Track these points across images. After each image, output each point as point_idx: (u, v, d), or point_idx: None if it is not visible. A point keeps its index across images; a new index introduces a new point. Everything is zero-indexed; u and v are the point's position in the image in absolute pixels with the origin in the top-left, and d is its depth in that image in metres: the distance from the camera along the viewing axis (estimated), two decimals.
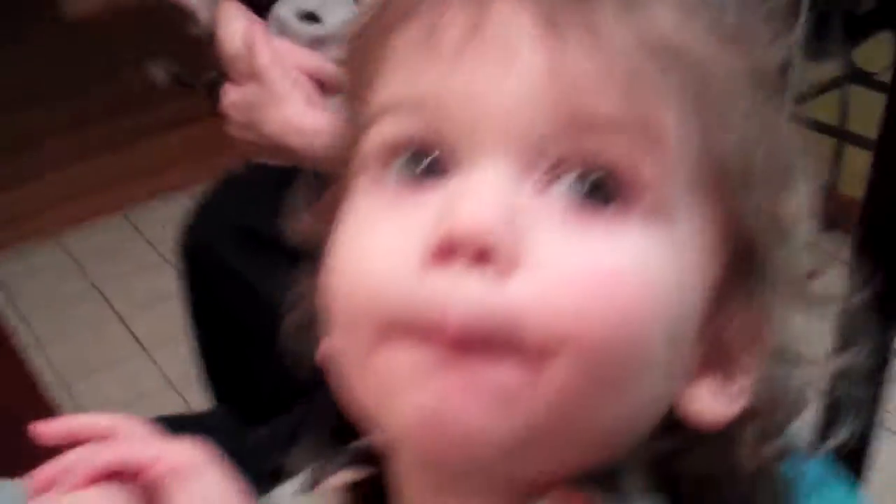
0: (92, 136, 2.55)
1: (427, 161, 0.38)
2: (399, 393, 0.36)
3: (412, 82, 0.39)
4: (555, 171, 0.37)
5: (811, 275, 0.41)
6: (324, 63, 1.05)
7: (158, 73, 1.42)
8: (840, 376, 0.41)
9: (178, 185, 2.30)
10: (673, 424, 0.40)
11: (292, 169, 1.03)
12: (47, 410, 0.91)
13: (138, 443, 0.46)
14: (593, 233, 0.36)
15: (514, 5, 0.38)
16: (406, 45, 0.40)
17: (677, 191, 0.38)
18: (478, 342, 0.35)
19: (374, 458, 0.45)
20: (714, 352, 0.40)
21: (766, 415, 0.40)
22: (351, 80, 0.44)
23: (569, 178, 0.37)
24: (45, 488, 0.44)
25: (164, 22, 3.26)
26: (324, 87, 1.04)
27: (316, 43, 1.07)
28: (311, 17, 1.08)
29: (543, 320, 0.35)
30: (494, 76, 0.37)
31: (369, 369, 0.38)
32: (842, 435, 0.43)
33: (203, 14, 1.15)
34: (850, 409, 0.43)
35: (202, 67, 1.22)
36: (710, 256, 0.39)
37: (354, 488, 0.46)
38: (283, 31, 1.07)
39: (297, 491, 0.47)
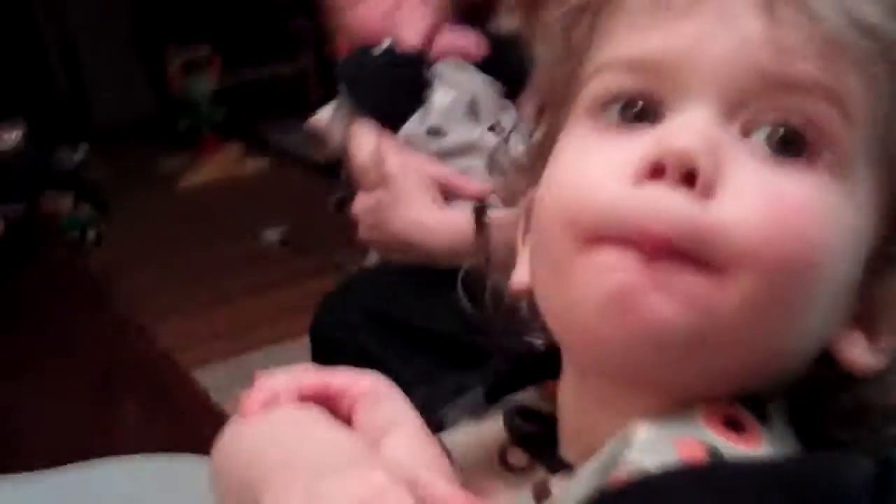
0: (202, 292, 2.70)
1: (639, 107, 0.45)
2: (600, 284, 0.41)
3: (637, 44, 0.45)
4: (754, 121, 0.43)
5: None
6: (446, 170, 1.15)
7: (272, 236, 1.50)
8: None
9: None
10: (824, 369, 0.44)
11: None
12: None
13: (334, 372, 0.51)
14: (783, 174, 0.42)
15: None
16: (639, 9, 0.46)
17: (858, 156, 0.43)
18: (674, 250, 0.40)
19: (529, 410, 0.50)
20: (866, 309, 0.45)
21: None
22: (572, 39, 0.50)
23: (765, 129, 0.43)
24: (256, 411, 0.48)
25: (278, 190, 3.46)
26: (446, 192, 1.13)
27: (440, 155, 1.17)
28: (436, 133, 1.19)
29: (735, 239, 0.40)
30: (712, 35, 0.43)
31: (575, 269, 0.43)
32: None
33: (335, 135, 1.27)
34: None
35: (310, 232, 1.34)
36: (875, 222, 0.44)
37: (518, 424, 0.50)
38: (412, 145, 1.17)
39: (468, 422, 0.51)
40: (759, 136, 0.43)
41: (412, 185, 1.12)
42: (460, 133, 1.18)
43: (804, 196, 0.42)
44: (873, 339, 0.45)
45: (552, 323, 0.47)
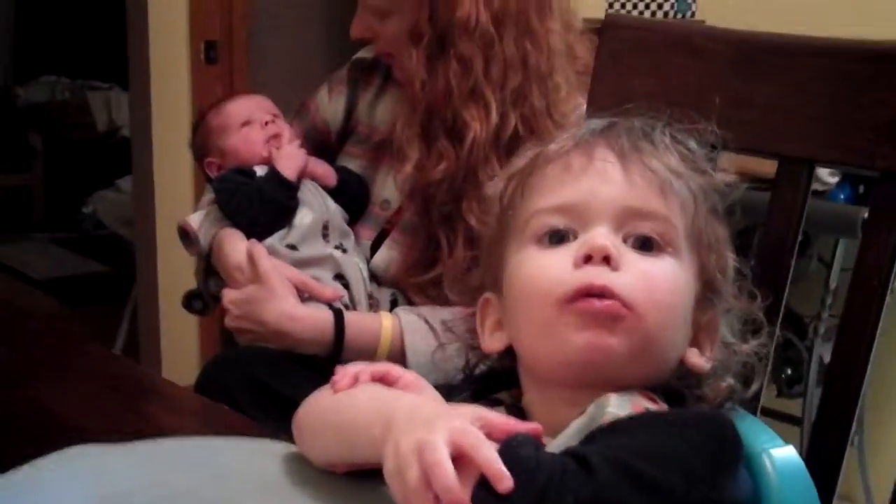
0: None
1: (561, 234, 0.76)
2: (574, 338, 0.72)
3: (556, 197, 0.78)
4: (628, 234, 0.76)
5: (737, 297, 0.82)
6: (304, 277, 1.42)
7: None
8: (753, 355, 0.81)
9: None
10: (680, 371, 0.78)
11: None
12: None
13: (388, 364, 0.79)
14: (648, 260, 0.75)
15: (605, 151, 0.78)
16: (552, 176, 0.79)
17: (683, 245, 0.77)
18: (605, 296, 0.72)
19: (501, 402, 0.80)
20: (695, 334, 0.79)
21: (720, 371, 0.79)
22: (511, 193, 0.82)
23: (633, 239, 0.76)
24: (348, 385, 0.76)
25: None
26: (299, 292, 1.40)
27: (296, 264, 1.44)
28: (292, 248, 1.46)
29: (631, 293, 0.72)
30: (599, 187, 0.77)
31: (558, 326, 0.73)
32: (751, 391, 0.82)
33: (202, 239, 1.51)
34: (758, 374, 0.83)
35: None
36: (693, 280, 0.78)
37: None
38: (272, 253, 1.43)
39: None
40: (631, 242, 0.76)
41: (281, 285, 1.38)
42: (314, 248, 1.46)
43: (660, 270, 0.75)
44: (702, 351, 0.79)
45: (535, 361, 0.77)
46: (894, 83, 0.88)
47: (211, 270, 1.52)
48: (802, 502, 0.77)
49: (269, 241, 1.45)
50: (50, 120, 5.32)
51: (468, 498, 0.60)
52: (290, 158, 1.48)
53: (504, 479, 0.60)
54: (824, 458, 0.89)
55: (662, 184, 0.77)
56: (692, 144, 0.81)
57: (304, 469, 0.78)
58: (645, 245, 0.76)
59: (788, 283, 0.94)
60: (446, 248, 1.39)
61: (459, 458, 0.62)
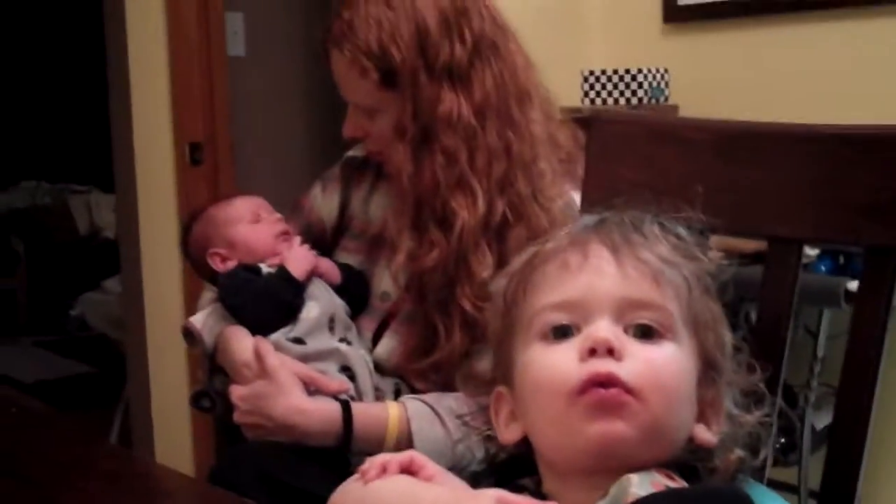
0: None
1: (565, 329, 0.81)
2: (585, 428, 0.76)
3: (557, 294, 0.82)
4: (628, 324, 0.80)
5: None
6: (311, 370, 1.45)
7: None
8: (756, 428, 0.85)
9: None
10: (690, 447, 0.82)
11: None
12: None
13: (412, 453, 0.83)
14: (649, 347, 0.79)
15: (599, 247, 0.83)
16: (551, 274, 0.84)
17: (681, 329, 0.82)
18: (611, 384, 0.76)
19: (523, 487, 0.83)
20: (701, 410, 0.83)
21: (728, 444, 0.83)
22: (513, 291, 0.87)
23: (633, 328, 0.80)
24: (376, 476, 0.80)
25: None
26: (306, 385, 1.43)
27: (302, 358, 1.47)
28: (298, 341, 1.49)
29: (636, 380, 0.77)
30: (596, 282, 0.81)
31: (569, 418, 0.77)
32: (759, 459, 0.86)
33: (207, 338, 1.54)
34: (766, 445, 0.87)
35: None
36: (695, 361, 0.82)
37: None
38: (277, 349, 1.46)
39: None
40: (631, 332, 0.80)
41: (289, 379, 1.41)
42: (320, 342, 1.49)
43: (661, 356, 0.79)
44: (708, 425, 0.83)
45: (551, 452, 0.81)
46: (872, 166, 0.93)
47: (216, 368, 1.55)
48: None
49: (275, 335, 1.48)
50: (32, 224, 5.36)
51: None
52: (301, 259, 1.51)
53: None
54: None
55: (655, 273, 0.81)
56: (681, 231, 0.86)
57: None
58: (645, 333, 0.80)
59: (786, 355, 0.99)
60: (443, 333, 1.42)
61: None
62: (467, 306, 1.38)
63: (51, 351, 4.98)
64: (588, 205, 1.09)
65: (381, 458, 0.82)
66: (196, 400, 1.60)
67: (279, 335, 1.49)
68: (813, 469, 2.14)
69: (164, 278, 3.06)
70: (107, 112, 3.31)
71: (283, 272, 1.49)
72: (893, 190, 0.92)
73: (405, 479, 0.80)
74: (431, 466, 0.82)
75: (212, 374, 1.57)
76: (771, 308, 0.99)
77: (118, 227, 3.53)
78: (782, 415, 2.17)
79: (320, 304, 1.50)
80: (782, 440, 2.16)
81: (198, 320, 1.56)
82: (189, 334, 1.57)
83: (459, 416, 0.99)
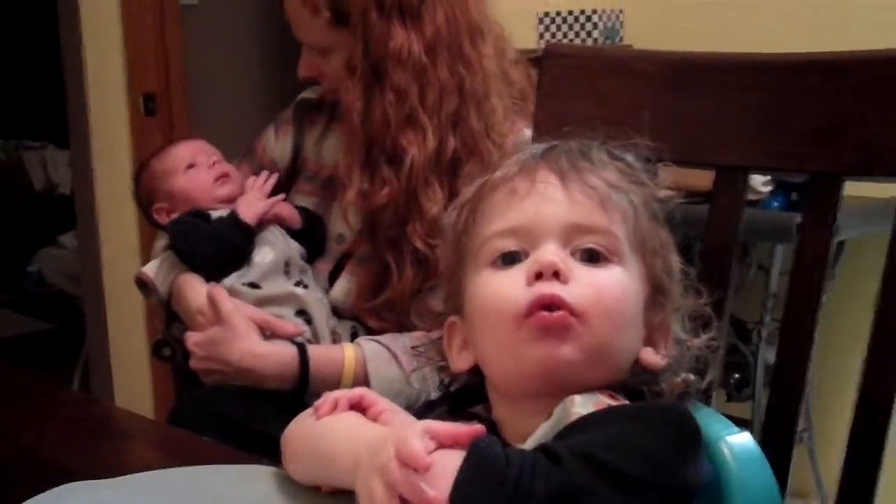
0: None
1: (512, 255, 0.81)
2: (531, 351, 0.76)
3: (504, 221, 0.82)
4: (574, 248, 0.81)
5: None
6: (266, 315, 1.45)
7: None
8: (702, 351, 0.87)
9: None
10: (637, 369, 0.83)
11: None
12: None
13: (364, 390, 0.84)
14: (595, 270, 0.80)
15: (546, 173, 0.83)
16: (499, 201, 0.84)
17: (628, 252, 0.82)
18: (556, 306, 0.76)
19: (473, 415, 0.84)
20: (649, 334, 0.83)
21: (675, 368, 0.85)
22: (464, 221, 0.86)
23: (580, 252, 0.80)
24: (328, 411, 0.81)
25: None
26: (262, 330, 1.43)
27: (258, 303, 1.47)
28: (253, 286, 1.49)
29: (582, 303, 0.77)
30: (543, 207, 0.81)
31: (515, 341, 0.77)
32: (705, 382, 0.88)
33: (160, 287, 1.54)
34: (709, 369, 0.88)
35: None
36: (642, 285, 0.83)
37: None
38: (232, 294, 1.46)
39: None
40: (578, 255, 0.81)
41: (243, 324, 1.41)
42: (276, 286, 1.49)
43: (607, 279, 0.80)
44: (655, 349, 0.84)
45: (499, 377, 0.81)
46: (815, 93, 0.95)
47: (172, 316, 1.55)
48: (761, 485, 0.81)
49: (228, 280, 1.49)
50: None
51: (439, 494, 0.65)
52: (251, 204, 1.51)
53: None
54: (775, 456, 0.94)
55: (602, 198, 0.82)
56: (629, 158, 0.87)
57: (291, 488, 0.81)
58: (592, 257, 0.80)
59: (734, 282, 1.01)
60: (395, 270, 1.44)
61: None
62: (418, 244, 1.39)
63: (9, 309, 4.94)
64: (539, 137, 1.10)
65: (333, 394, 0.83)
66: (157, 349, 1.60)
67: (234, 280, 1.49)
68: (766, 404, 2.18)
69: (121, 231, 3.04)
70: (60, 66, 3.26)
71: (232, 216, 1.49)
72: (837, 117, 0.93)
73: (353, 417, 0.81)
74: (381, 403, 0.83)
75: (168, 322, 1.57)
76: (718, 235, 1.01)
77: (73, 182, 3.50)
78: (736, 350, 2.21)
79: (275, 249, 1.51)
80: (736, 376, 2.20)
81: (150, 269, 1.55)
82: (143, 284, 1.57)
83: (413, 348, 0.99)
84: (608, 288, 0.79)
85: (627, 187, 0.84)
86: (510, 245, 0.81)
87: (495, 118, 1.43)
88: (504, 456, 0.66)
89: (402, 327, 1.42)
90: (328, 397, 0.83)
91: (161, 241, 1.62)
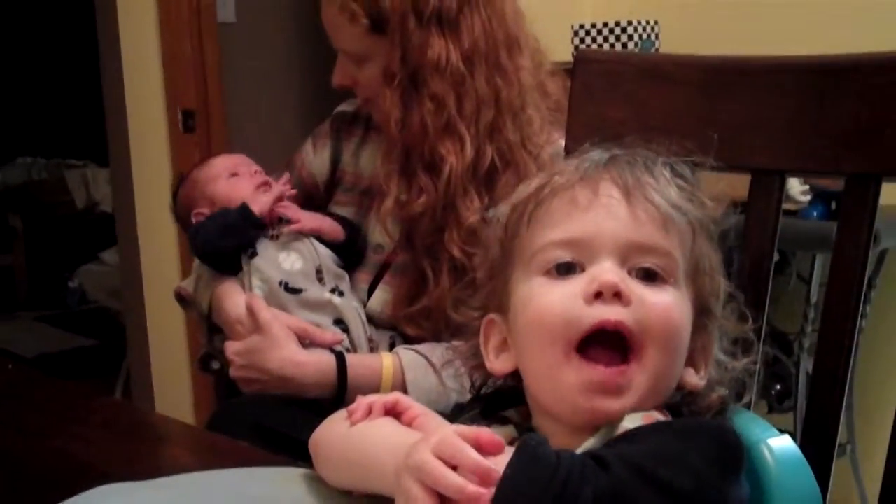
0: None
1: (569, 266, 0.79)
2: (579, 399, 0.75)
3: (563, 231, 0.81)
4: (632, 267, 0.79)
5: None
6: (304, 323, 1.46)
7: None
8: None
9: None
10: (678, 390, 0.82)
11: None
12: None
13: (399, 395, 0.84)
14: (653, 290, 0.78)
15: (610, 186, 0.81)
16: (559, 210, 0.82)
17: (682, 276, 0.81)
18: (614, 335, 0.75)
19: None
20: (691, 355, 0.82)
21: (713, 386, 0.83)
22: (516, 222, 0.85)
23: (636, 271, 0.79)
24: (362, 417, 0.81)
25: None
26: (301, 339, 1.44)
27: (301, 307, 1.48)
28: (293, 291, 1.50)
29: (643, 326, 0.76)
30: (604, 221, 0.80)
31: (563, 370, 0.76)
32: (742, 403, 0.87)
33: (200, 300, 1.55)
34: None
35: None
36: (691, 307, 0.82)
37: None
38: (275, 300, 1.47)
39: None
40: (634, 274, 0.79)
41: (282, 332, 1.42)
42: (311, 292, 1.50)
43: (668, 302, 0.79)
44: (696, 370, 0.83)
45: (541, 398, 0.80)
46: (852, 93, 0.94)
47: (214, 329, 1.56)
48: (802, 488, 0.81)
49: (268, 287, 1.50)
50: (29, 200, 5.36)
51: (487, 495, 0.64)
52: (259, 198, 1.54)
53: (492, 474, 0.65)
54: (815, 467, 0.93)
55: (664, 219, 0.80)
56: (688, 174, 0.85)
57: (325, 490, 0.82)
58: (648, 276, 0.79)
59: (769, 288, 1.00)
60: (432, 278, 1.44)
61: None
62: (455, 252, 1.39)
63: (52, 325, 5.00)
64: (572, 142, 1.09)
65: (367, 399, 0.83)
66: (204, 363, 1.61)
67: (273, 285, 1.50)
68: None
69: (161, 247, 3.07)
70: (100, 85, 3.30)
71: (242, 206, 1.52)
72: (871, 117, 0.92)
73: (389, 423, 0.81)
74: (416, 408, 0.83)
75: (211, 335, 1.58)
76: (755, 239, 1.00)
77: (114, 198, 3.54)
78: (777, 362, 2.18)
79: (303, 256, 1.52)
80: (777, 387, 2.18)
81: (189, 284, 1.57)
82: (182, 299, 1.59)
83: (449, 347, 0.99)
84: (668, 312, 0.78)
85: (688, 207, 0.82)
86: (567, 256, 0.80)
87: (532, 129, 1.43)
88: (555, 456, 0.66)
89: (439, 335, 1.42)
90: (362, 402, 0.83)
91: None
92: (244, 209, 1.51)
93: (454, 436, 0.68)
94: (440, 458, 0.67)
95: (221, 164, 1.62)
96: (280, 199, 1.55)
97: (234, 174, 1.59)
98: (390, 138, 1.44)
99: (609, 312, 0.76)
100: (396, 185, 1.43)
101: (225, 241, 1.51)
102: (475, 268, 1.36)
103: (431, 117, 1.39)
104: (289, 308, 1.47)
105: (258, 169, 1.61)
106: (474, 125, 1.40)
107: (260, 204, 1.52)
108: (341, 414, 0.85)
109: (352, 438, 0.81)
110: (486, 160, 1.40)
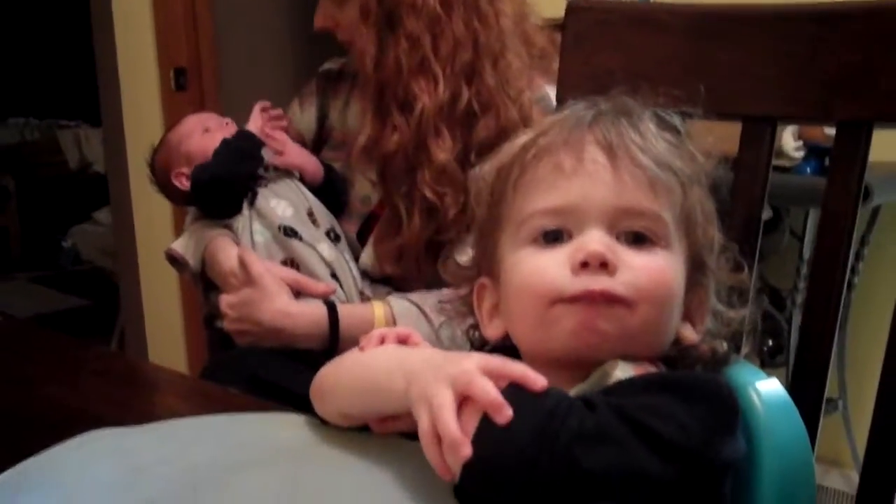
0: None
1: (556, 234, 0.79)
2: (565, 322, 0.75)
3: (549, 199, 0.79)
4: (620, 232, 0.78)
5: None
6: (297, 274, 1.46)
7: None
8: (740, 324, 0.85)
9: None
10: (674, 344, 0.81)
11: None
12: None
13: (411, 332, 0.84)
14: (643, 256, 0.78)
15: (595, 149, 0.80)
16: (544, 176, 0.81)
17: (673, 235, 0.80)
18: (607, 301, 0.75)
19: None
20: (687, 310, 0.82)
21: (709, 339, 0.83)
22: (501, 187, 0.84)
23: (625, 235, 0.78)
24: (375, 346, 0.81)
25: None
26: (293, 290, 1.44)
27: (297, 258, 1.48)
28: (289, 233, 1.51)
29: (632, 292, 0.76)
30: (590, 189, 0.79)
31: (547, 318, 0.76)
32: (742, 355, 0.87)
33: (191, 260, 1.55)
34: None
35: None
36: (684, 264, 0.81)
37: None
38: (279, 244, 1.49)
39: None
40: (623, 238, 0.79)
41: (275, 284, 1.42)
42: (308, 235, 1.51)
43: (657, 266, 0.78)
44: (693, 324, 0.83)
45: (532, 351, 0.80)
46: (843, 39, 0.93)
47: (210, 286, 1.57)
48: (789, 430, 0.81)
49: (268, 233, 1.51)
50: (21, 161, 5.35)
51: (466, 442, 0.64)
52: (253, 122, 1.57)
53: (503, 409, 0.64)
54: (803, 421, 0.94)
55: (651, 181, 0.79)
56: (677, 124, 0.84)
57: (318, 433, 0.82)
58: (638, 239, 0.79)
59: (759, 236, 1.00)
60: (405, 217, 1.45)
61: (465, 401, 0.66)
62: (427, 192, 1.40)
63: (46, 286, 5.01)
64: (564, 92, 1.09)
65: (380, 330, 0.83)
66: (209, 321, 1.61)
67: (273, 229, 1.51)
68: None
69: (154, 206, 3.06)
70: (92, 45, 3.28)
71: (239, 131, 1.56)
72: (861, 64, 0.92)
73: (400, 348, 0.81)
74: (428, 345, 0.82)
75: (207, 292, 1.58)
76: (746, 188, 1.00)
77: (106, 157, 3.53)
78: (770, 318, 2.19)
79: (292, 202, 1.53)
80: (770, 342, 2.19)
81: (179, 245, 1.58)
82: (174, 260, 1.59)
83: (440, 302, 0.99)
84: (657, 276, 0.78)
85: (676, 164, 0.81)
86: (553, 223, 0.79)
87: (511, 73, 1.43)
88: (546, 389, 0.66)
89: (412, 276, 1.45)
90: (374, 333, 0.83)
91: (190, 216, 1.64)
92: (244, 132, 1.54)
93: (502, 359, 0.68)
94: (455, 389, 0.67)
95: (192, 122, 1.64)
96: (273, 119, 1.58)
97: (207, 129, 1.59)
98: (365, 76, 1.45)
99: (595, 283, 0.75)
100: (370, 122, 1.44)
101: (242, 166, 1.52)
102: (446, 209, 1.39)
103: (406, 56, 1.40)
104: (291, 250, 1.48)
105: (229, 121, 1.63)
106: (450, 66, 1.40)
107: (255, 126, 1.55)
108: (347, 353, 0.85)
109: (362, 363, 0.81)
110: (462, 102, 1.41)
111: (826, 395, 0.99)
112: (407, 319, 1.40)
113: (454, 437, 0.64)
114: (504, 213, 0.83)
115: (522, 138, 0.85)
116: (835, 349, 0.98)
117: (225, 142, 1.54)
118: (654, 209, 0.79)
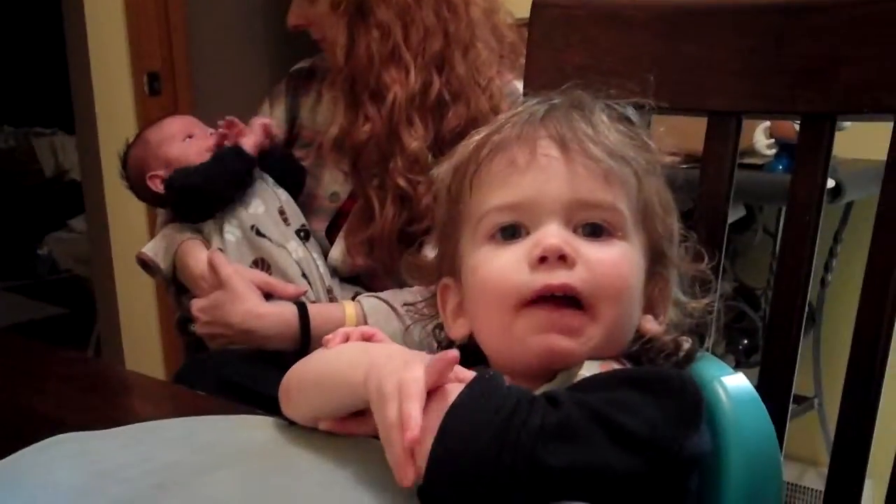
0: None
1: (512, 230, 0.79)
2: (530, 341, 0.75)
3: (504, 195, 0.78)
4: (577, 224, 0.78)
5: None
6: (266, 276, 1.46)
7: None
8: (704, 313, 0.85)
9: None
10: (637, 337, 0.81)
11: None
12: None
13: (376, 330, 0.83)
14: (600, 247, 0.78)
15: (547, 143, 0.80)
16: (498, 172, 0.80)
17: (631, 226, 0.80)
18: (564, 296, 0.75)
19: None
20: (649, 302, 0.82)
21: (671, 330, 0.83)
22: (458, 185, 0.84)
23: (582, 228, 0.78)
24: (339, 343, 0.80)
25: None
26: (263, 292, 1.44)
27: (268, 258, 1.48)
28: (259, 234, 1.50)
29: (590, 285, 0.76)
30: (544, 183, 0.78)
31: (514, 327, 0.76)
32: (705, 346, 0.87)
33: (162, 264, 1.54)
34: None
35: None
36: (643, 255, 0.81)
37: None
38: (251, 244, 1.48)
39: None
40: (581, 230, 0.78)
41: (244, 286, 1.41)
42: (278, 233, 1.50)
43: (614, 257, 0.78)
44: (656, 316, 0.83)
45: (496, 353, 0.80)
46: (807, 33, 0.94)
47: (182, 289, 1.56)
48: (756, 425, 0.81)
49: (238, 232, 1.50)
50: None
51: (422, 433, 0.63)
52: (250, 135, 1.55)
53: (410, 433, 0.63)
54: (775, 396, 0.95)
55: (605, 172, 0.79)
56: (631, 113, 0.84)
57: (284, 434, 0.81)
58: (595, 231, 0.78)
59: (726, 232, 1.00)
60: (378, 207, 1.45)
61: (428, 396, 0.66)
62: (400, 181, 1.41)
63: (22, 294, 4.97)
64: (531, 88, 1.09)
65: (344, 329, 0.82)
66: (181, 326, 1.60)
67: (244, 229, 1.50)
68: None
69: (130, 212, 3.05)
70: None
71: (235, 146, 1.52)
72: (825, 56, 0.92)
73: (362, 344, 0.81)
74: (392, 343, 0.82)
75: (179, 296, 1.58)
76: (712, 183, 1.00)
77: (80, 164, 3.51)
78: (744, 317, 2.20)
79: (265, 201, 1.52)
80: (745, 342, 2.19)
81: (150, 249, 1.57)
82: (145, 264, 1.58)
83: (406, 305, 0.98)
84: (615, 268, 0.78)
85: (631, 154, 0.81)
86: (509, 219, 0.79)
87: (480, 62, 1.44)
88: (506, 388, 0.65)
89: (386, 267, 1.45)
90: (338, 332, 0.82)
91: (161, 218, 1.64)
92: (239, 151, 1.52)
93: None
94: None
95: (176, 126, 1.61)
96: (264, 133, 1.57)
97: (190, 136, 1.58)
98: (336, 67, 1.45)
99: (554, 277, 0.75)
100: (342, 113, 1.44)
101: (229, 190, 1.52)
102: (419, 197, 1.39)
103: (377, 45, 1.41)
104: (262, 250, 1.48)
105: (212, 131, 1.61)
106: (421, 56, 1.41)
107: (250, 144, 1.54)
108: (313, 354, 0.84)
109: (325, 360, 0.81)
110: (433, 91, 1.42)
111: (801, 393, 0.99)
112: (377, 317, 1.40)
113: (413, 432, 0.63)
114: (462, 212, 0.83)
115: (477, 136, 0.85)
116: (810, 347, 0.98)
117: (219, 158, 1.52)
118: (609, 200, 0.79)
